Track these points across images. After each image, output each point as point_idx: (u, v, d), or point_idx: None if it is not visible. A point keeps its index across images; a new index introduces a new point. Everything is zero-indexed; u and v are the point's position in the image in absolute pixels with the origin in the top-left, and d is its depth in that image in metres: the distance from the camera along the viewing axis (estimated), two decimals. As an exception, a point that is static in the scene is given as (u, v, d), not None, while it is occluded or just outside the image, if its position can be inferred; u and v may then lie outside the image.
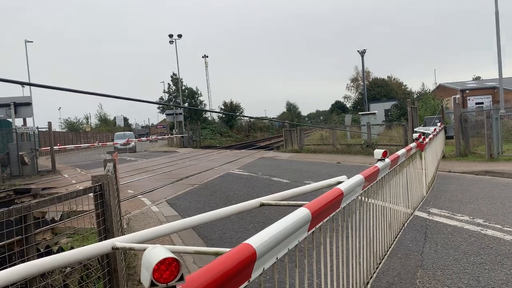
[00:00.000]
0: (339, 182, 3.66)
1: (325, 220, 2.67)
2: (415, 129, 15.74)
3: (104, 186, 3.15)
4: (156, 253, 1.23)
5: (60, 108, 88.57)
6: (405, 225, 6.04)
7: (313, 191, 3.43)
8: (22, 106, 21.18)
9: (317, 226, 2.52)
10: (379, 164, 4.35)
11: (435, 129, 11.54)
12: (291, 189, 3.23)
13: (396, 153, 5.44)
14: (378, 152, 4.53)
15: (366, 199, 3.87)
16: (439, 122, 15.70)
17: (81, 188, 3.29)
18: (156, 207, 9.56)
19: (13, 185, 16.16)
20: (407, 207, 6.29)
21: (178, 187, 12.58)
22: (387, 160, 4.63)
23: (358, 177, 3.50)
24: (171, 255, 1.22)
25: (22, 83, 1.47)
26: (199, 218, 2.52)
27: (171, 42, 49.70)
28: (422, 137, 8.07)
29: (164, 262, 1.21)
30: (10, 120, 21.20)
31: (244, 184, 12.53)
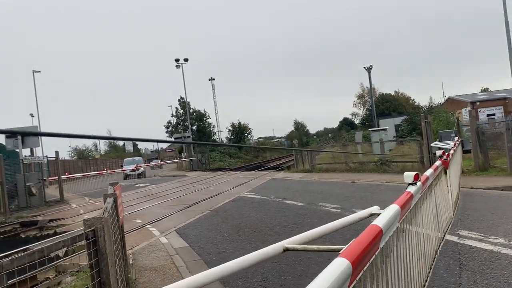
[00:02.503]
0: (372, 214, 3.19)
1: (365, 268, 2.18)
2: (432, 145, 15.17)
3: (98, 232, 2.69)
4: None
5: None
6: (438, 252, 5.48)
7: (343, 227, 2.93)
8: (29, 136, 21.02)
9: (357, 278, 2.03)
10: (412, 189, 3.86)
11: (455, 144, 10.99)
12: (320, 226, 2.72)
13: (425, 174, 4.93)
14: (409, 175, 4.03)
15: (402, 231, 3.36)
16: (456, 136, 15.12)
17: (69, 236, 2.84)
18: (165, 238, 9.05)
19: (20, 217, 15.78)
20: (438, 232, 5.75)
21: (188, 215, 12.08)
22: (419, 183, 4.13)
23: (394, 208, 3.00)
24: None
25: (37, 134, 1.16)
26: (210, 274, 2.04)
27: (177, 66, 49.91)
28: (446, 153, 7.54)
29: None
30: (18, 150, 21.00)
31: (256, 209, 11.99)
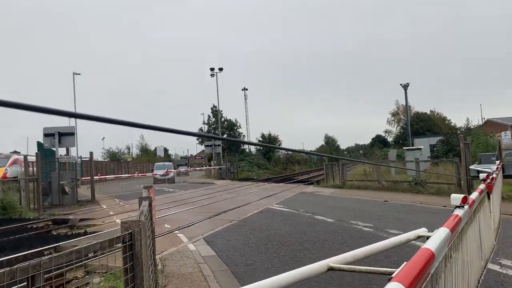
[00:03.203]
0: (419, 237, 3.00)
1: (417, 296, 2.01)
2: (471, 167, 14.62)
3: (135, 235, 2.62)
4: None
5: (104, 138, 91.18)
6: (480, 281, 5.16)
7: (389, 248, 2.76)
8: (66, 136, 21.63)
9: (410, 307, 1.87)
10: (459, 212, 3.63)
11: (497, 168, 10.52)
12: (366, 246, 2.55)
13: (471, 197, 4.67)
14: (457, 198, 3.81)
15: (450, 257, 3.15)
16: (497, 160, 14.49)
17: (106, 238, 2.79)
18: (193, 245, 9.00)
19: (53, 215, 16.13)
20: (480, 259, 5.43)
21: (216, 223, 12.02)
22: (466, 207, 3.90)
23: (445, 232, 2.80)
24: None
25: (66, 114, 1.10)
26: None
27: (212, 75, 50.52)
28: (490, 177, 7.19)
29: None
30: (54, 149, 21.61)
31: (285, 222, 11.80)
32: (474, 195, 4.95)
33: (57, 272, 7.07)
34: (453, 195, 3.88)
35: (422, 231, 2.97)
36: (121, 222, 2.83)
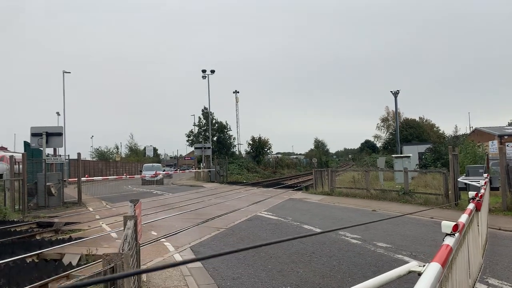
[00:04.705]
0: (410, 272, 2.94)
1: None
2: (459, 179, 14.68)
3: (118, 269, 2.52)
4: None
5: (92, 136, 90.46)
6: (468, 304, 5.13)
7: (380, 286, 2.68)
8: (53, 136, 21.32)
9: None
10: (450, 241, 3.58)
11: (485, 182, 10.56)
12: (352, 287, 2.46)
13: (461, 221, 4.63)
14: (447, 225, 3.75)
15: (440, 290, 3.09)
16: (485, 173, 14.58)
17: (86, 275, 2.67)
18: (179, 255, 8.87)
19: (37, 217, 15.87)
20: (468, 278, 5.40)
21: (203, 231, 11.88)
22: (457, 234, 3.85)
23: (436, 269, 2.74)
24: None
25: None
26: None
27: (203, 77, 50.34)
28: (479, 194, 7.19)
29: None
30: (42, 149, 21.27)
31: (273, 232, 11.72)
32: (463, 218, 4.91)
33: (40, 282, 6.86)
34: (444, 223, 3.82)
35: (414, 265, 2.90)
36: (103, 254, 2.72)
